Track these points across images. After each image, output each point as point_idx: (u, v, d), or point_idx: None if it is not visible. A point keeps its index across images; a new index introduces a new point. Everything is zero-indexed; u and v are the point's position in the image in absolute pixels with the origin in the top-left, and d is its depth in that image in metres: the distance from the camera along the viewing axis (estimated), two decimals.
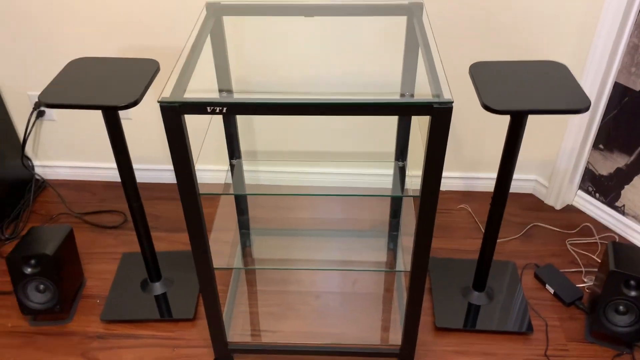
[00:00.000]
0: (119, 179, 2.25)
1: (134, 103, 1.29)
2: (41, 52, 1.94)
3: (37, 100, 2.05)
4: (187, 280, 1.82)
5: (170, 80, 1.14)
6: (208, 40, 1.45)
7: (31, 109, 2.07)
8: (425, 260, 1.33)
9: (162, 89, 1.75)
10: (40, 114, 2.09)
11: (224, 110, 1.08)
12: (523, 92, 1.30)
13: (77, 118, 2.10)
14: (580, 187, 2.08)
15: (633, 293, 1.54)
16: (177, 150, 1.14)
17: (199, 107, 1.08)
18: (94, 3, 1.81)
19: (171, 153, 1.14)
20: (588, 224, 2.04)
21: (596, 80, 1.79)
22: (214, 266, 1.39)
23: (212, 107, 1.08)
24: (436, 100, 1.06)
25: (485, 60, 1.42)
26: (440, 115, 1.07)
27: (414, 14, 1.44)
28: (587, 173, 2.04)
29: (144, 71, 1.41)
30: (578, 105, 1.25)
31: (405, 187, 1.77)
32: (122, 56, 1.92)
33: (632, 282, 1.54)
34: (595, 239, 1.98)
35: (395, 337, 1.67)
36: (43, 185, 2.24)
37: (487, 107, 1.25)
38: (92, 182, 2.27)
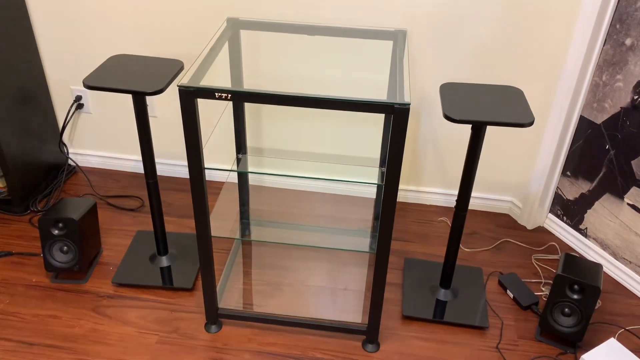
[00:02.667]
0: (141, 171, 2.55)
1: (160, 91, 1.58)
2: (85, 52, 2.26)
3: (78, 93, 2.37)
4: (190, 257, 2.08)
5: (188, 72, 1.43)
6: (226, 49, 1.74)
7: (72, 101, 2.39)
8: (387, 242, 1.56)
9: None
10: (80, 107, 2.41)
11: (229, 97, 1.36)
12: (481, 107, 1.55)
13: (111, 113, 2.41)
14: (551, 210, 2.30)
15: (576, 296, 1.74)
16: (189, 128, 1.41)
17: (209, 93, 1.36)
18: (134, 13, 2.13)
19: (184, 130, 1.42)
20: (554, 243, 2.25)
21: (563, 113, 2.04)
22: (212, 234, 1.64)
23: (219, 94, 1.36)
24: (397, 101, 1.32)
25: (455, 82, 1.68)
26: (399, 114, 1.33)
27: (398, 39, 1.72)
28: (557, 197, 2.26)
29: (171, 68, 1.70)
30: (524, 120, 1.50)
31: None
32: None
33: (576, 287, 1.74)
34: (559, 257, 2.19)
35: (365, 318, 1.89)
36: (74, 170, 2.54)
37: (447, 117, 1.51)
38: (117, 172, 2.56)
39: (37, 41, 2.26)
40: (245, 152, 2.04)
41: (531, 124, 1.50)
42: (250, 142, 2.31)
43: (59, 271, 1.95)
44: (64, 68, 2.32)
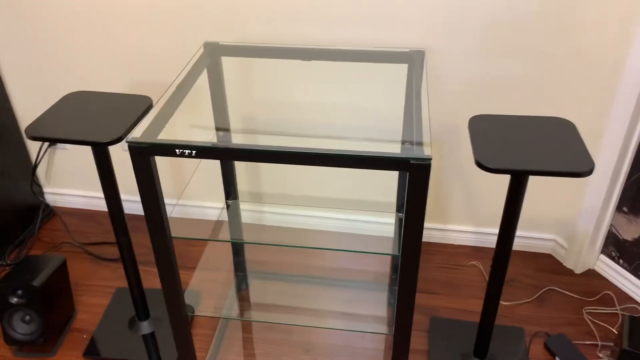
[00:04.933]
0: (127, 211, 2.25)
1: (118, 140, 1.27)
2: (52, 83, 1.97)
3: None
4: None
5: (146, 119, 1.11)
6: (205, 79, 1.43)
7: None
8: (408, 325, 1.23)
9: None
10: (53, 142, 2.12)
11: (193, 154, 1.04)
12: (523, 150, 1.21)
13: (88, 148, 2.11)
14: (603, 251, 1.94)
15: None
16: (146, 192, 1.10)
17: (168, 149, 1.05)
18: (102, 39, 1.83)
19: (140, 194, 1.10)
20: (609, 292, 1.89)
21: (618, 140, 1.67)
22: (195, 313, 1.33)
23: (180, 150, 1.04)
24: (413, 155, 0.99)
25: (487, 114, 1.34)
26: (418, 171, 1.00)
27: (414, 62, 1.38)
28: (610, 237, 1.89)
29: (136, 107, 1.39)
30: (581, 168, 1.15)
31: None
32: (124, 90, 1.93)
33: None
34: (616, 310, 1.82)
35: None
36: (51, 212, 2.26)
37: (480, 165, 1.17)
38: (99, 212, 2.27)
39: (0, 71, 1.97)
40: (235, 198, 1.72)
41: (590, 172, 1.15)
42: (242, 184, 1.98)
43: (21, 344, 1.66)
44: (32, 102, 2.03)
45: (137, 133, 1.07)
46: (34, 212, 2.20)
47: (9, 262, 2.02)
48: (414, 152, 1.00)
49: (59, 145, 2.12)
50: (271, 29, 1.64)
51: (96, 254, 2.06)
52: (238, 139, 1.79)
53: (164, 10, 1.73)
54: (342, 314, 1.72)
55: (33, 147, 2.16)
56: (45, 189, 2.26)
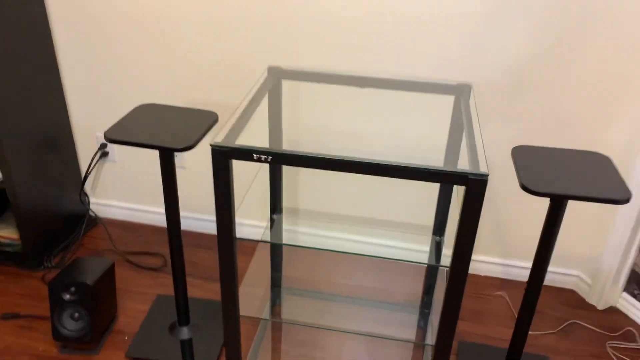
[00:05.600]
0: (165, 224, 2.35)
1: (189, 147, 1.38)
2: (113, 97, 2.11)
3: (103, 141, 2.21)
4: (214, 329, 1.84)
5: (224, 128, 1.23)
6: (266, 101, 1.55)
7: (96, 149, 2.23)
8: (451, 332, 1.30)
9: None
10: (104, 155, 2.24)
11: (269, 159, 1.15)
12: (563, 177, 1.31)
13: (136, 162, 2.23)
14: (626, 289, 2.01)
15: None
16: (221, 192, 1.20)
17: (246, 154, 1.16)
18: (166, 59, 1.98)
19: (215, 194, 1.21)
20: (631, 328, 1.95)
21: None
22: (241, 313, 1.41)
23: (258, 155, 1.15)
24: (472, 171, 1.09)
25: (528, 145, 1.45)
26: (475, 186, 1.10)
27: (462, 94, 1.50)
28: (634, 275, 1.97)
29: (203, 121, 1.51)
30: (619, 195, 1.24)
31: (441, 263, 1.77)
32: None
33: None
34: (639, 346, 1.88)
35: None
36: (95, 221, 2.36)
37: (525, 188, 1.27)
38: (140, 224, 2.37)
39: (63, 86, 2.12)
40: (280, 212, 1.82)
41: (628, 200, 1.24)
42: (285, 201, 2.09)
43: (68, 340, 1.74)
44: (90, 114, 2.17)
45: (218, 139, 1.18)
46: (79, 220, 2.30)
47: (53, 264, 2.11)
48: (472, 168, 1.11)
49: (109, 157, 2.24)
50: (327, 58, 1.78)
51: (137, 263, 2.15)
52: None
53: (227, 36, 1.87)
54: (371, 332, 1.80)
55: (84, 158, 2.28)
56: (91, 199, 2.37)
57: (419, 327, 1.90)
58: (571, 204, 1.95)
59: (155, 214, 2.34)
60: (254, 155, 1.16)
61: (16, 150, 1.91)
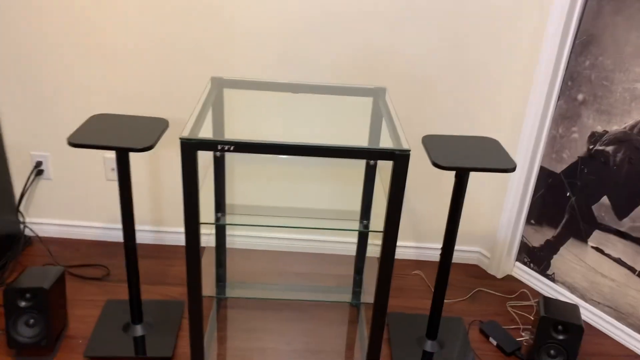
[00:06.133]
0: (104, 238, 2.44)
1: (149, 147, 1.55)
2: (48, 117, 2.20)
3: (38, 159, 2.28)
4: (165, 325, 1.97)
5: (187, 125, 1.42)
6: (209, 107, 1.75)
7: (31, 168, 2.29)
8: (386, 289, 1.56)
9: (170, 144, 2.03)
10: (39, 173, 2.30)
11: (231, 149, 1.36)
12: (464, 155, 1.64)
13: (72, 178, 2.31)
14: (518, 259, 2.40)
15: (561, 337, 1.79)
16: (189, 180, 1.39)
17: (211, 145, 1.36)
18: (104, 74, 2.12)
19: (183, 183, 1.39)
20: (525, 290, 2.33)
21: (525, 164, 2.17)
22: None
23: (221, 145, 1.36)
24: (397, 148, 1.37)
25: (434, 134, 1.77)
26: (400, 160, 1.38)
27: (379, 96, 1.80)
28: (523, 246, 2.36)
29: (155, 126, 1.69)
30: (507, 165, 1.59)
31: (368, 244, 2.04)
32: None
33: (560, 327, 1.80)
34: (531, 302, 2.26)
35: None
36: (29, 241, 2.39)
37: (436, 164, 1.57)
38: (77, 240, 2.43)
39: None
40: (224, 212, 2.01)
41: (514, 169, 1.59)
42: (228, 199, 2.28)
43: (23, 347, 1.79)
44: (24, 133, 2.23)
45: (184, 134, 1.37)
46: (13, 239, 2.32)
47: None
48: (396, 145, 1.39)
49: (44, 175, 2.31)
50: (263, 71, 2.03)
51: (80, 274, 2.22)
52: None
53: (167, 52, 2.06)
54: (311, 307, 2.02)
55: (17, 177, 2.32)
56: (26, 219, 2.40)
57: (351, 305, 2.15)
58: (470, 188, 2.31)
59: (91, 228, 2.42)
60: (218, 145, 1.36)
61: None
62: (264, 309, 2.12)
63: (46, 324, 1.78)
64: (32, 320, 1.79)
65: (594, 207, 2.07)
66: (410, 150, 1.38)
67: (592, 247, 2.11)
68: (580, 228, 2.13)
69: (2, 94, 2.16)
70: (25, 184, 2.28)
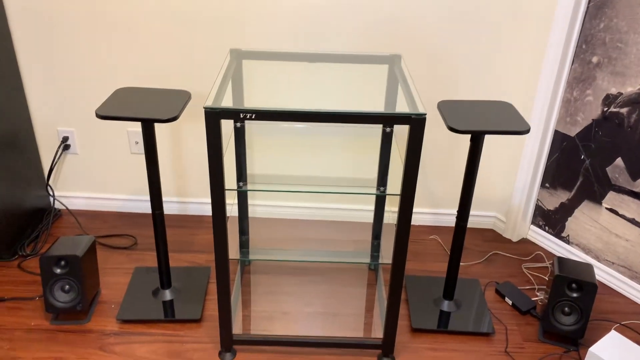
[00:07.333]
0: (129, 210, 2.53)
1: (174, 118, 1.61)
2: (73, 91, 2.27)
3: (64, 134, 2.35)
4: (193, 290, 2.06)
5: (209, 96, 1.48)
6: (229, 79, 1.80)
7: (58, 143, 2.37)
8: (403, 253, 1.62)
9: (193, 116, 2.09)
10: (66, 148, 2.38)
11: (253, 117, 1.42)
12: (479, 119, 1.67)
13: (98, 152, 2.40)
14: (533, 222, 2.44)
15: (575, 294, 1.85)
16: (213, 147, 1.45)
17: (234, 113, 1.41)
18: (127, 49, 2.17)
19: (208, 150, 1.45)
20: (540, 252, 2.38)
21: (540, 128, 2.20)
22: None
23: (244, 114, 1.41)
24: (413, 112, 1.42)
25: (450, 99, 1.81)
26: (416, 124, 1.42)
27: (394, 63, 1.83)
28: (538, 209, 2.40)
29: (179, 98, 1.75)
30: (521, 128, 1.62)
31: (385, 211, 2.10)
32: None
33: (574, 285, 1.85)
34: (546, 264, 2.31)
35: (378, 333, 1.92)
36: (59, 213, 2.49)
37: (451, 128, 1.62)
38: (104, 212, 2.53)
39: (23, 82, 2.24)
40: (245, 181, 2.07)
41: (528, 131, 1.62)
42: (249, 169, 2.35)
43: (60, 312, 1.89)
44: (50, 109, 2.31)
45: (208, 103, 1.43)
46: (44, 212, 2.42)
47: (28, 252, 2.23)
48: (412, 110, 1.43)
49: (71, 150, 2.39)
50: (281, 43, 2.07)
51: (109, 244, 2.32)
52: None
53: (183, 27, 2.11)
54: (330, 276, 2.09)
55: (45, 153, 2.40)
56: (55, 192, 2.49)
57: (370, 269, 2.22)
58: (485, 154, 2.35)
59: (117, 200, 2.51)
60: (241, 114, 1.42)
61: None
62: (285, 274, 2.20)
63: (81, 289, 1.88)
64: (67, 286, 1.89)
65: (608, 169, 2.10)
66: (426, 114, 1.42)
67: (607, 208, 2.14)
68: (595, 190, 2.16)
69: (29, 72, 2.23)
70: (53, 159, 2.37)
